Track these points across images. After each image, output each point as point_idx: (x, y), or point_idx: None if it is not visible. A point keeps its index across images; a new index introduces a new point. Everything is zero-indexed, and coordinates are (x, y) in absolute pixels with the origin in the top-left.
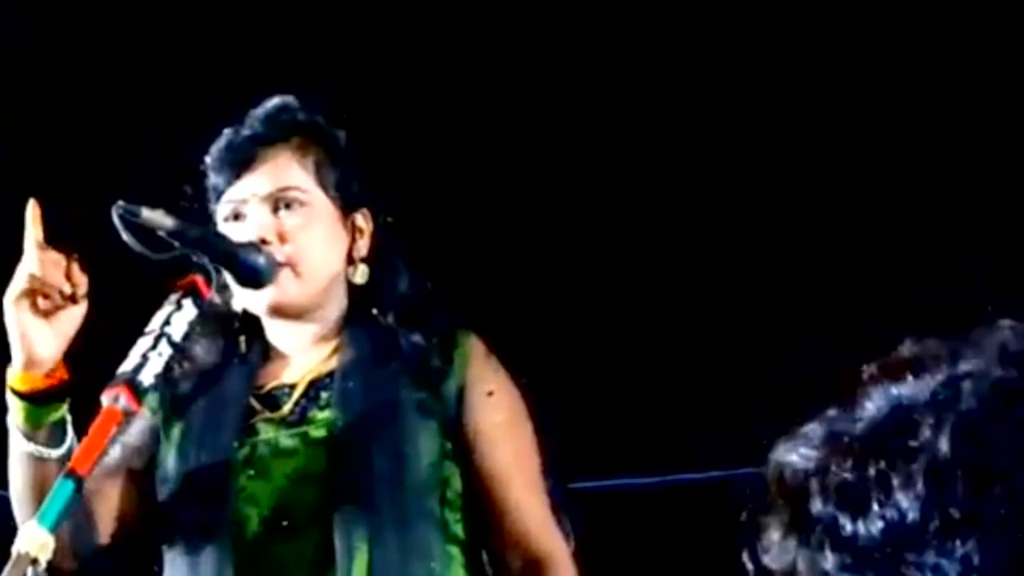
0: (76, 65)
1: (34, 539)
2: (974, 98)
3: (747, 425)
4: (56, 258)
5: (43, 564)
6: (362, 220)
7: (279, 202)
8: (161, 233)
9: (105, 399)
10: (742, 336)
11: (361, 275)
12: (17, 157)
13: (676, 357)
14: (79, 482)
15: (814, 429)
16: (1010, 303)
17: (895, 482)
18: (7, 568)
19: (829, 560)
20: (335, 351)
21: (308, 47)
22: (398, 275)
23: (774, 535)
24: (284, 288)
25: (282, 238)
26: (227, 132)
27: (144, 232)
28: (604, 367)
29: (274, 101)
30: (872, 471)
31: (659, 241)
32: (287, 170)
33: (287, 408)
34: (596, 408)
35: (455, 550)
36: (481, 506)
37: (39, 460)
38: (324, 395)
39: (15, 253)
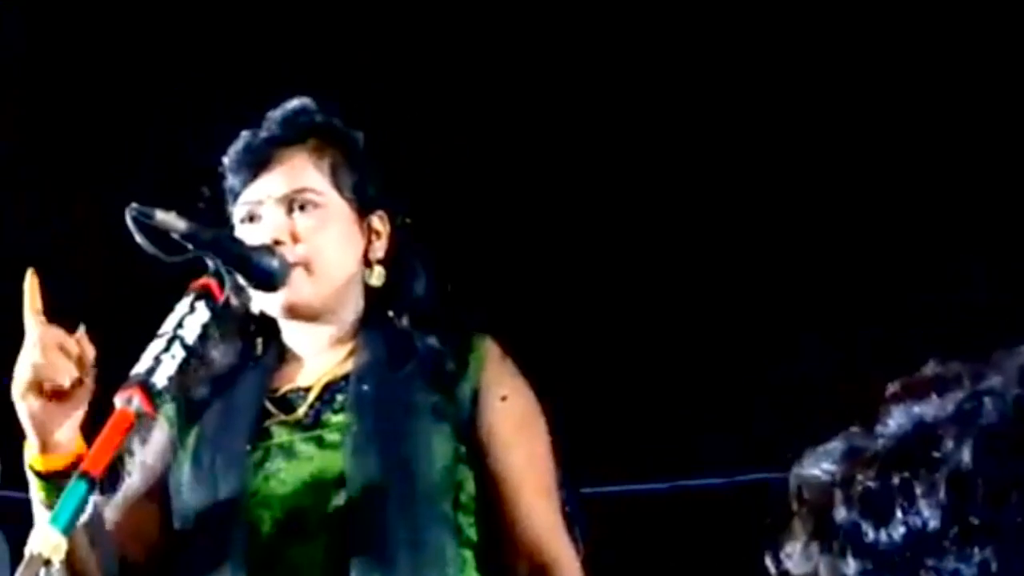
0: (77, 65)
1: (47, 540)
2: (974, 98)
3: (749, 427)
4: (58, 338)
5: (56, 565)
6: (379, 222)
7: (294, 203)
8: (174, 236)
9: (118, 401)
10: (746, 340)
11: (377, 277)
12: (17, 157)
13: (679, 361)
14: (92, 483)
15: (835, 446)
16: (1010, 303)
17: (918, 490)
18: (20, 569)
19: (851, 566)
20: (351, 354)
21: (329, 49)
22: (415, 278)
23: (797, 542)
24: (298, 288)
25: (295, 238)
26: (245, 134)
27: (157, 234)
28: (609, 371)
29: (292, 103)
30: (896, 480)
31: (671, 248)
32: (302, 172)
33: (301, 411)
34: (602, 413)
35: (468, 554)
36: (492, 510)
37: None
38: (339, 398)
39: (14, 253)
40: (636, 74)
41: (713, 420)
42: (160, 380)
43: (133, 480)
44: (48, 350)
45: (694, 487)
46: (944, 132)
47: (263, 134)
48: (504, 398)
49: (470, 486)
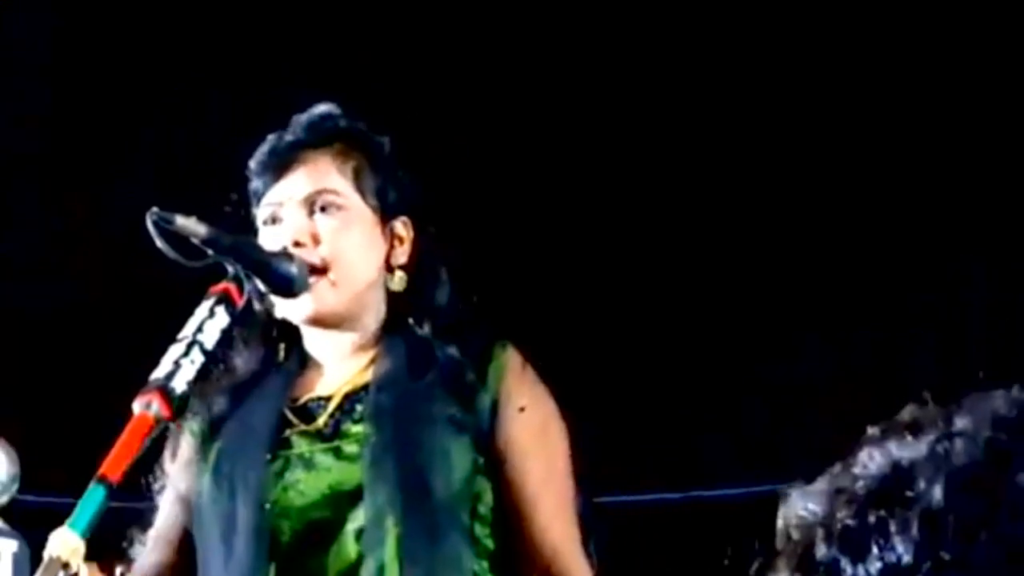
0: (80, 66)
1: (66, 544)
2: (974, 99)
3: (764, 438)
4: None
5: (74, 568)
6: (401, 228)
7: (315, 205)
8: (194, 241)
9: (137, 406)
10: (750, 344)
11: (399, 282)
12: (16, 157)
13: (695, 371)
14: (109, 488)
15: (819, 486)
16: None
17: (892, 528)
18: (39, 572)
19: None
20: (372, 361)
21: (358, 55)
22: (437, 285)
23: None
24: (321, 297)
25: (316, 240)
26: (270, 138)
27: (178, 239)
28: (626, 381)
29: (318, 108)
30: (872, 518)
31: (700, 265)
32: (325, 174)
33: (321, 421)
34: (620, 423)
35: (486, 565)
36: (509, 522)
37: None
38: (359, 408)
39: (17, 249)
40: (635, 87)
41: (728, 430)
42: (179, 385)
43: (168, 514)
44: None
45: (708, 497)
46: (944, 133)
47: (288, 137)
48: (522, 409)
49: (488, 497)
